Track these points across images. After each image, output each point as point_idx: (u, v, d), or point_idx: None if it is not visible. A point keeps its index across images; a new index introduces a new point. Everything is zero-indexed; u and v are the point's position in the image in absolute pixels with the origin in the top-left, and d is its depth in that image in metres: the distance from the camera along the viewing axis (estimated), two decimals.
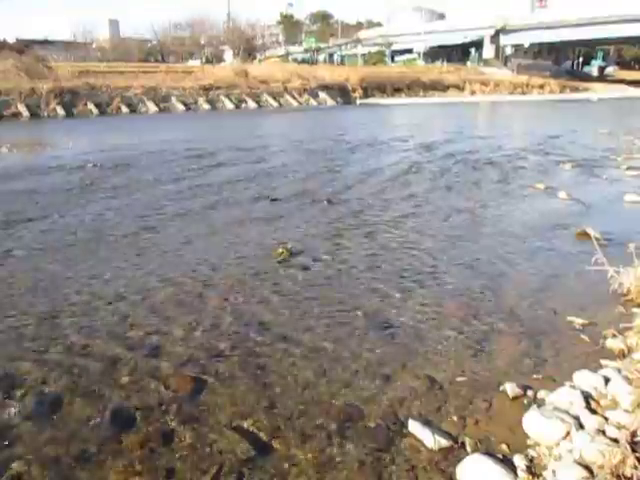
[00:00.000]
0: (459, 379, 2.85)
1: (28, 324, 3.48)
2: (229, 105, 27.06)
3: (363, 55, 50.15)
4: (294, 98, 29.90)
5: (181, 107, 25.39)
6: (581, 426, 2.34)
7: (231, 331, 3.38)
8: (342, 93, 32.07)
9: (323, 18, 61.75)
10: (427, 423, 2.49)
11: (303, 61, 45.05)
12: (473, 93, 37.39)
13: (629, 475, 1.94)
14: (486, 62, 46.99)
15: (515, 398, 2.67)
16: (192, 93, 26.40)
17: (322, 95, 31.38)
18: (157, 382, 2.83)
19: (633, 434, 2.11)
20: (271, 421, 2.53)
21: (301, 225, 5.79)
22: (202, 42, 48.48)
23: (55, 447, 2.38)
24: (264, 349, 3.16)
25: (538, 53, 50.88)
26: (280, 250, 4.77)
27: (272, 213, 6.30)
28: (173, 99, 25.68)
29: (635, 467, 1.94)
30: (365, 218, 6.07)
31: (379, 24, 61.01)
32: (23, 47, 28.21)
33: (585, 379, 2.70)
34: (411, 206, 6.62)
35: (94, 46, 44.53)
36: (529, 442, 2.36)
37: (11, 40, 37.86)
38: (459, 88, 37.48)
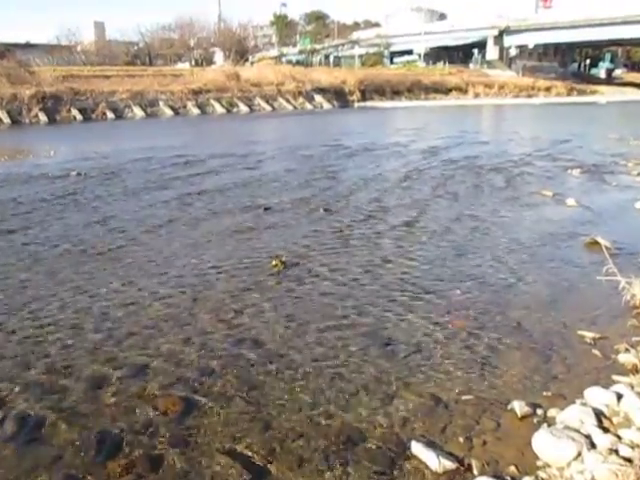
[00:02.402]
0: (465, 397, 2.85)
1: (8, 342, 3.46)
2: (220, 109, 27.21)
3: (360, 56, 50.58)
4: (288, 101, 30.09)
5: (169, 112, 25.52)
6: (593, 446, 2.34)
7: (223, 348, 3.38)
8: (339, 96, 32.30)
9: (318, 18, 62.34)
10: (431, 444, 2.48)
11: (297, 63, 45.35)
12: (476, 96, 37.71)
13: None
14: (490, 64, 47.47)
15: (524, 417, 2.67)
16: (181, 97, 26.56)
17: (318, 98, 31.59)
18: (144, 403, 2.82)
19: None
20: (266, 444, 2.52)
21: (296, 235, 5.81)
22: (191, 44, 48.81)
23: (37, 473, 2.36)
24: (258, 367, 3.16)
25: (543, 55, 51.43)
26: (274, 262, 4.78)
27: (265, 223, 6.32)
28: (161, 104, 25.82)
29: None
30: (364, 228, 6.09)
31: (377, 24, 61.60)
32: (4, 51, 28.33)
33: (597, 396, 2.71)
34: (412, 215, 6.65)
35: (79, 49, 44.74)
36: (539, 463, 2.36)
37: None
38: (462, 91, 37.82)
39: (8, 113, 20.89)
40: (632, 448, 2.25)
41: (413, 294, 4.18)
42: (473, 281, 4.44)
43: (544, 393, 2.87)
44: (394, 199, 7.53)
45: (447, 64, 45.35)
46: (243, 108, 27.98)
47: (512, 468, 2.34)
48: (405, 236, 5.74)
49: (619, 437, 2.37)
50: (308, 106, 30.61)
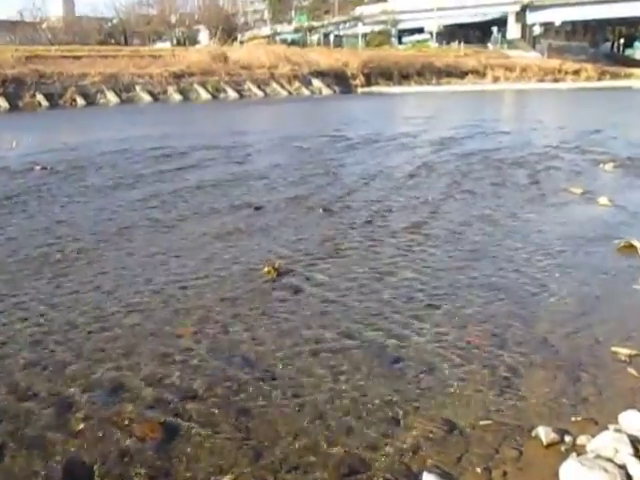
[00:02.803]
0: (483, 423, 2.85)
1: None
2: (205, 95, 27.29)
3: (364, 35, 50.74)
4: (283, 87, 30.21)
5: (147, 98, 25.58)
6: (629, 477, 2.35)
7: (208, 367, 3.38)
8: (340, 80, 32.43)
9: None
10: (445, 476, 2.48)
11: (293, 43, 45.49)
12: (496, 80, 37.87)
13: None
14: (511, 44, 47.66)
15: (550, 445, 2.67)
16: (160, 81, 26.65)
17: (316, 83, 31.70)
18: (119, 429, 2.82)
19: None
20: (257, 475, 2.52)
21: (291, 239, 5.82)
22: (172, 21, 48.94)
23: None
24: (248, 388, 3.16)
25: (572, 33, 51.67)
26: (266, 269, 4.78)
27: (256, 225, 6.33)
28: (138, 88, 25.88)
29: None
30: (369, 230, 6.11)
31: None
32: None
33: (633, 420, 2.71)
34: (423, 216, 6.66)
35: (44, 26, 44.80)
36: None
37: None
38: (479, 74, 38.00)
39: None
40: None
41: (424, 306, 4.19)
42: (492, 291, 4.45)
43: (573, 418, 2.87)
44: (402, 198, 7.55)
45: (462, 44, 45.50)
46: (231, 94, 28.07)
47: None
48: (415, 240, 5.75)
49: None
50: (305, 92, 30.71)
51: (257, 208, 6.97)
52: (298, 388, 3.16)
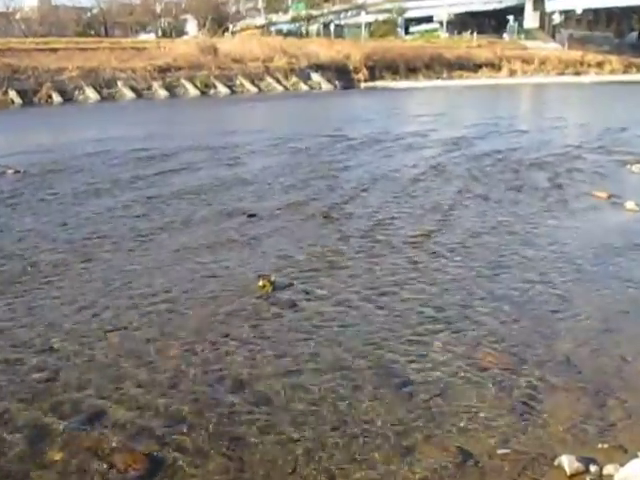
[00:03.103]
0: (501, 451, 2.85)
1: None
2: (193, 91, 27.38)
3: (368, 25, 50.99)
4: (278, 81, 30.31)
5: (130, 94, 25.66)
6: None
7: (197, 390, 3.37)
8: (341, 74, 32.54)
9: None
10: None
11: (290, 33, 45.72)
12: (512, 73, 38.00)
13: None
14: (528, 34, 47.86)
15: (574, 475, 2.67)
16: (144, 76, 26.74)
17: (315, 77, 31.81)
18: (99, 460, 2.81)
19: None
20: None
21: (288, 249, 5.82)
22: (157, 10, 49.21)
23: None
24: (241, 414, 3.15)
25: (594, 22, 51.86)
26: (261, 283, 4.79)
27: (249, 234, 6.34)
28: (120, 84, 25.98)
29: None
30: (372, 239, 6.12)
31: None
32: None
33: None
34: (433, 223, 6.68)
35: (18, 17, 45.05)
36: None
37: None
38: (494, 67, 38.14)
39: None
40: None
41: (435, 323, 4.19)
42: (510, 306, 4.45)
43: (599, 445, 2.87)
44: (409, 204, 7.57)
45: (475, 34, 45.69)
46: (222, 89, 28.16)
47: None
48: (424, 250, 5.76)
49: None
50: (303, 87, 30.81)
51: (250, 215, 6.98)
52: (297, 414, 3.15)
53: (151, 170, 9.84)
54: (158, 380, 3.48)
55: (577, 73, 39.54)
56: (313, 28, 51.93)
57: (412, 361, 3.66)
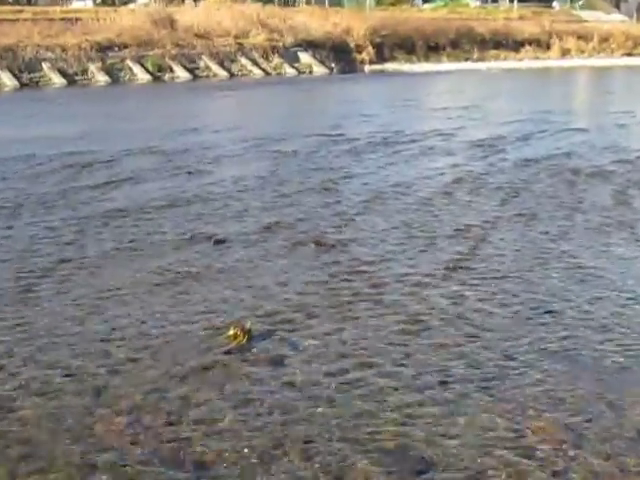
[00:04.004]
0: None
1: None
2: (142, 76, 27.48)
3: None
4: (256, 64, 30.47)
5: (59, 80, 25.74)
6: None
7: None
8: (340, 55, 32.76)
9: None
10: None
11: (271, 0, 46.12)
12: (565, 53, 38.40)
13: None
14: (585, 2, 48.47)
15: None
16: (78, 56, 26.81)
17: (305, 58, 32.02)
18: None
19: None
20: None
21: (268, 287, 5.81)
22: None
23: None
24: None
25: None
26: (232, 332, 4.76)
27: (216, 266, 6.33)
28: (45, 66, 26.07)
29: None
30: (381, 273, 6.12)
31: None
32: None
33: None
34: (461, 250, 6.69)
35: None
36: None
37: None
38: (541, 45, 38.48)
39: None
40: None
41: (465, 382, 4.17)
42: (563, 363, 4.43)
43: None
44: (429, 227, 7.58)
45: (516, 3, 46.28)
46: (181, 74, 28.26)
47: None
48: (448, 290, 5.74)
49: None
50: (289, 70, 30.99)
51: (218, 242, 6.97)
52: None
53: (86, 181, 9.84)
54: (91, 464, 3.41)
55: None
56: None
57: (436, 435, 3.62)
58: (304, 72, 31.32)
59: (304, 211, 8.24)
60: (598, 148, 12.31)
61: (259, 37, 31.28)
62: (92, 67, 26.83)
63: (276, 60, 31.13)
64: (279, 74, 30.49)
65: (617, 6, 48.73)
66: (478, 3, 48.68)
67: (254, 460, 3.47)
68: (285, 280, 5.98)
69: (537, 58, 37.10)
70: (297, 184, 9.65)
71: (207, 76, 28.83)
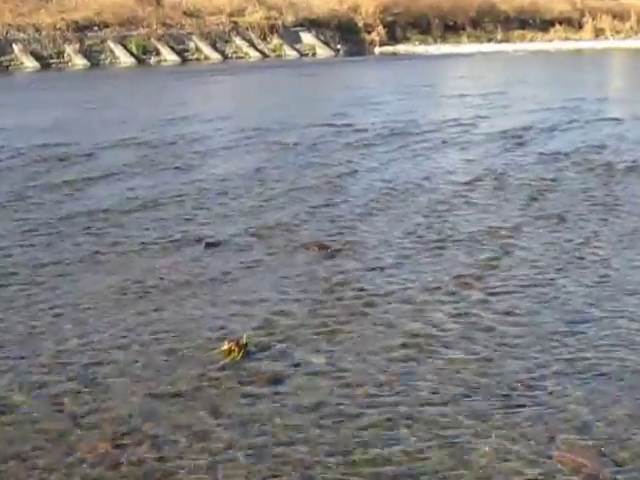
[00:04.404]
0: None
1: None
2: (125, 58, 27.51)
3: None
4: (252, 45, 30.46)
5: (32, 63, 25.79)
6: None
7: None
8: (346, 35, 32.76)
9: None
10: None
11: None
12: (599, 34, 38.34)
13: None
14: None
15: None
16: (53, 37, 26.82)
17: (307, 38, 32.00)
18: None
19: None
20: None
21: (266, 297, 5.83)
22: None
23: None
24: None
25: None
26: (226, 347, 4.78)
27: (208, 273, 6.35)
28: (16, 49, 26.11)
29: None
30: (394, 279, 6.14)
31: None
32: None
33: None
34: (485, 255, 6.72)
35: None
36: None
37: None
38: (572, 24, 38.41)
39: None
40: None
41: (490, 404, 4.18)
42: (599, 382, 4.45)
43: None
44: (448, 228, 7.60)
45: None
46: (168, 56, 28.29)
47: None
48: (470, 299, 5.77)
49: None
50: (289, 52, 31.00)
51: (210, 245, 7.00)
52: None
53: (62, 177, 9.87)
54: None
55: None
56: None
57: (458, 459, 3.64)
58: (306, 54, 31.31)
59: (306, 211, 8.27)
60: (634, 141, 12.30)
61: (256, 15, 31.25)
62: (69, 49, 26.87)
63: (275, 41, 31.14)
64: (278, 56, 30.47)
65: None
66: None
67: None
68: (284, 289, 6.00)
69: (567, 39, 37.09)
70: (298, 180, 9.68)
71: (197, 59, 28.84)
